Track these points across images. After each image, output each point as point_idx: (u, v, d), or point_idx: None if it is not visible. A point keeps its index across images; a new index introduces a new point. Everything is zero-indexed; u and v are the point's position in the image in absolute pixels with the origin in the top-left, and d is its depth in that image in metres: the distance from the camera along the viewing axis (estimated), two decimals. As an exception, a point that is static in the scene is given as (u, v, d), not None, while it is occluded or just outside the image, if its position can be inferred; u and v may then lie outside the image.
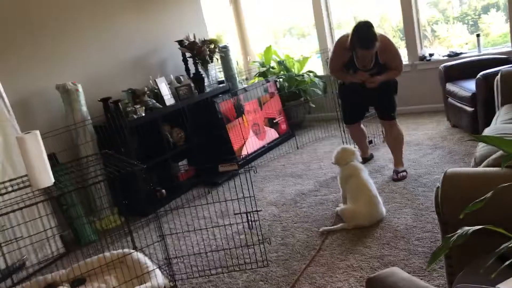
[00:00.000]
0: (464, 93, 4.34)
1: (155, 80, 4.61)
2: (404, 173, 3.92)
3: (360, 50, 3.61)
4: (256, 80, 6.16)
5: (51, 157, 3.74)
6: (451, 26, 5.84)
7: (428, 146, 4.50)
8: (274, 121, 5.62)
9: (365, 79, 3.79)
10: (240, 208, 3.33)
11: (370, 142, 4.63)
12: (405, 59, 5.80)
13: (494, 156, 2.11)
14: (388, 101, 3.97)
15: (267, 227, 3.50)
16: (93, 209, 4.09)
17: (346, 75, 3.92)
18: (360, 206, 3.21)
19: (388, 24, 6.22)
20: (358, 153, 3.49)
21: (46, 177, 2.59)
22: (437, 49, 5.80)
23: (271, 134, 5.53)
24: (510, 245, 1.04)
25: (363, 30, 3.56)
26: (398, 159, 4.02)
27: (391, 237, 2.99)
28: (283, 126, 5.73)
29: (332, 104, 4.89)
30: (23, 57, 3.92)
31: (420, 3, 5.65)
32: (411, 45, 5.66)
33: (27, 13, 3.98)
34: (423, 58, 5.62)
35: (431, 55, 5.59)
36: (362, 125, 4.33)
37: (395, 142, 4.02)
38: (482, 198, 1.27)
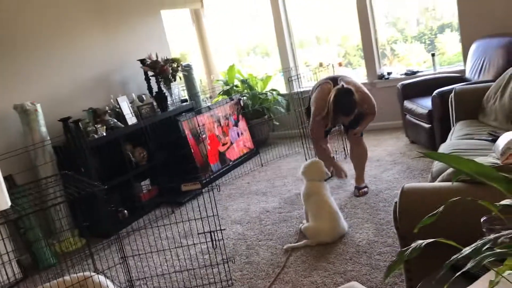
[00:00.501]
0: (421, 110, 4.49)
1: (116, 99, 4.56)
2: (366, 189, 4.01)
3: (343, 117, 3.78)
4: (220, 98, 6.18)
5: (8, 179, 3.63)
6: (410, 45, 6.06)
7: (388, 161, 4.61)
8: (239, 139, 5.64)
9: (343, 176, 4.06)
10: (204, 228, 3.30)
11: (332, 158, 4.69)
12: (364, 77, 5.97)
13: (448, 171, 2.19)
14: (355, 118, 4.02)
15: (231, 246, 3.49)
16: (53, 231, 3.98)
17: (330, 162, 4.09)
18: (322, 223, 3.25)
19: (349, 43, 6.39)
20: (326, 169, 3.53)
21: (2, 200, 2.51)
22: (396, 67, 5.99)
23: (236, 152, 5.54)
24: (459, 256, 1.08)
25: (345, 99, 3.68)
26: (360, 176, 4.11)
27: (353, 253, 3.04)
28: (248, 144, 5.76)
29: (295, 122, 4.96)
30: (-22, 76, 3.82)
31: (378, 23, 5.84)
32: (370, 64, 5.83)
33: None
34: (381, 76, 5.79)
35: (389, 73, 5.77)
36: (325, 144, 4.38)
37: (360, 159, 4.11)
38: (435, 212, 1.32)
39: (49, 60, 4.40)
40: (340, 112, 3.72)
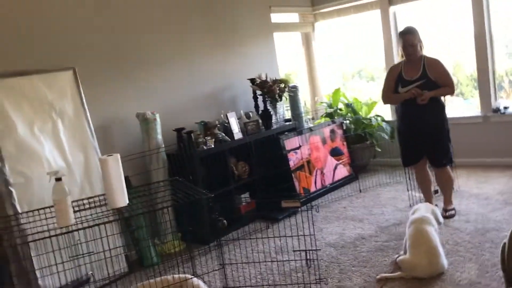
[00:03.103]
0: (540, 149, 4.19)
1: (226, 115, 4.82)
2: (453, 212, 4.13)
3: (402, 37, 4.06)
4: (323, 120, 6.24)
5: (125, 180, 3.99)
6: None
7: (498, 201, 4.34)
8: (339, 163, 5.64)
9: (415, 95, 3.96)
10: (299, 246, 3.36)
11: (436, 192, 4.53)
12: (477, 110, 5.68)
13: None
14: (440, 148, 4.10)
15: (324, 267, 3.50)
16: (159, 232, 4.27)
17: (397, 95, 4.15)
18: (419, 257, 3.13)
19: (462, 73, 6.13)
20: (438, 211, 3.48)
21: (122, 198, 2.79)
22: (514, 101, 5.63)
23: (334, 175, 5.54)
24: None
25: (405, 27, 4.15)
26: (447, 199, 4.24)
27: (452, 291, 2.91)
28: (347, 168, 5.73)
29: (398, 150, 4.87)
30: (109, 85, 4.27)
31: (498, 53, 5.55)
32: (485, 96, 5.54)
33: (116, 45, 4.35)
34: (497, 110, 5.47)
35: (506, 108, 5.43)
36: (428, 169, 4.29)
37: (446, 185, 4.25)
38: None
39: (169, 75, 4.78)
40: (400, 33, 4.10)
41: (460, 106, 6.03)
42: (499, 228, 3.72)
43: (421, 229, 3.21)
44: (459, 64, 6.14)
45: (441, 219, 3.43)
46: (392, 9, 6.08)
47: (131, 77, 4.45)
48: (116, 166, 2.75)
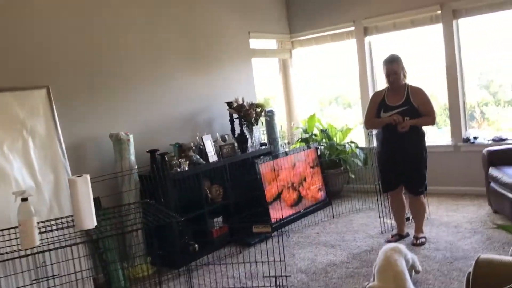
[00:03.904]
0: (507, 179, 4.28)
1: (201, 137, 4.82)
2: (423, 240, 4.18)
3: (385, 65, 4.16)
4: (298, 145, 6.29)
5: (95, 201, 3.92)
6: (502, 109, 5.84)
7: (467, 229, 4.41)
8: (312, 187, 5.66)
9: (396, 122, 4.04)
10: (269, 271, 3.34)
11: (408, 219, 4.58)
12: (448, 139, 5.81)
13: (530, 247, 2.09)
14: (418, 177, 4.17)
15: (294, 294, 3.48)
16: (128, 256, 4.19)
17: (379, 120, 4.23)
18: (386, 282, 3.14)
19: (435, 102, 6.28)
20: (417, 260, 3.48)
21: (90, 220, 2.74)
22: (485, 131, 5.77)
23: (308, 201, 5.56)
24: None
25: (389, 55, 4.23)
26: (419, 226, 4.29)
27: (420, 320, 2.92)
28: (321, 193, 5.76)
29: (372, 176, 4.92)
30: (83, 104, 4.23)
31: (469, 85, 5.71)
32: (456, 126, 5.68)
33: (92, 64, 4.33)
34: (467, 140, 5.61)
35: (475, 137, 5.57)
36: (403, 197, 4.35)
37: (417, 212, 4.31)
38: (510, 286, 1.29)
39: (145, 96, 4.77)
40: (384, 61, 4.18)
41: (434, 134, 6.16)
42: (467, 256, 3.77)
43: (389, 255, 3.24)
44: (433, 94, 6.30)
45: (419, 268, 3.44)
46: (367, 39, 6.24)
47: (106, 97, 4.42)
48: (85, 187, 2.70)
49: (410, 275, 3.28)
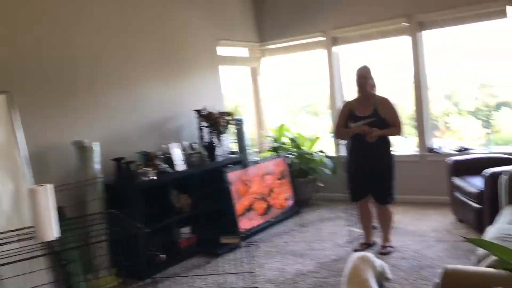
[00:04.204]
0: (471, 189, 4.38)
1: (169, 145, 4.74)
2: (390, 249, 4.24)
3: (357, 74, 4.21)
4: (268, 154, 6.28)
5: (59, 211, 3.79)
6: (465, 120, 5.99)
7: (432, 238, 4.48)
8: (281, 197, 5.65)
9: (365, 132, 4.09)
10: (238, 283, 3.29)
11: (374, 227, 4.62)
12: (414, 149, 5.92)
13: (494, 257, 2.12)
14: (386, 186, 4.24)
15: (263, 305, 3.44)
16: (92, 267, 4.07)
17: (347, 130, 4.28)
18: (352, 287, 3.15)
19: (402, 112, 6.38)
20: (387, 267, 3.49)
21: (52, 231, 2.64)
22: (448, 140, 5.91)
23: (276, 210, 5.54)
24: None
25: (361, 66, 4.29)
26: (385, 236, 4.36)
27: (388, 330, 2.93)
28: (290, 202, 5.75)
29: (340, 185, 4.95)
30: (46, 111, 4.10)
31: (434, 95, 5.84)
32: (421, 136, 5.79)
33: (56, 71, 4.20)
34: (431, 149, 5.73)
35: (440, 147, 5.69)
36: (371, 206, 4.39)
37: (385, 221, 4.37)
38: (476, 300, 1.29)
39: (111, 103, 4.67)
40: (356, 71, 4.23)
41: (401, 144, 6.25)
42: (433, 265, 3.83)
43: (357, 264, 3.25)
44: (400, 104, 6.41)
45: (389, 275, 3.45)
46: (336, 49, 6.31)
47: (70, 104, 4.30)
48: (46, 198, 2.60)
49: (381, 284, 3.30)
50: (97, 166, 4.16)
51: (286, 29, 6.58)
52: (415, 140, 5.96)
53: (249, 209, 5.17)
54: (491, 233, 3.03)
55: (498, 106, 5.77)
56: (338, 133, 4.44)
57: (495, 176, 4.00)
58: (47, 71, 4.13)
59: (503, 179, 3.77)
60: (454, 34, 5.68)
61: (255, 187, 5.34)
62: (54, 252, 3.48)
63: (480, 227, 4.17)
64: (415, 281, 3.57)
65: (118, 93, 4.75)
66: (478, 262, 2.52)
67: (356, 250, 4.28)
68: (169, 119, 5.29)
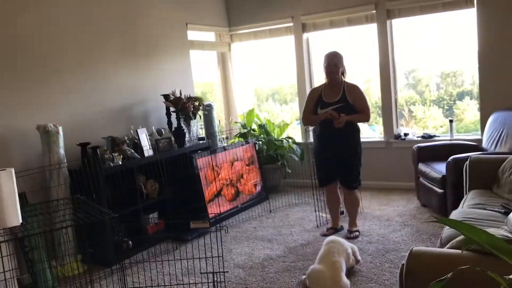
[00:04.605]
0: (435, 174, 4.50)
1: (136, 130, 4.66)
2: (357, 233, 4.33)
3: (327, 61, 4.20)
4: (236, 140, 6.26)
5: (21, 196, 3.68)
6: (428, 108, 6.13)
7: (397, 222, 4.58)
8: (250, 183, 5.66)
9: (332, 117, 4.12)
10: (207, 268, 3.29)
11: (342, 213, 4.69)
12: (381, 135, 6.03)
13: (458, 238, 2.18)
14: (353, 172, 4.29)
15: (232, 289, 3.45)
16: (56, 254, 3.98)
17: (315, 117, 4.30)
18: (323, 267, 3.23)
19: (368, 99, 6.47)
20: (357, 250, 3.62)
21: (15, 217, 2.56)
22: (413, 129, 6.05)
23: (245, 196, 5.55)
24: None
25: (331, 52, 4.28)
26: (352, 220, 4.43)
27: (355, 311, 2.99)
28: (258, 188, 5.77)
29: (308, 171, 4.99)
30: (7, 94, 3.95)
31: (399, 83, 5.95)
32: (388, 123, 5.89)
33: (17, 51, 4.05)
34: (398, 136, 5.84)
35: (406, 134, 5.81)
36: (338, 192, 4.45)
37: (352, 206, 4.43)
38: (443, 278, 1.32)
39: (76, 86, 4.53)
40: (325, 56, 4.23)
41: (365, 131, 6.36)
42: (398, 248, 3.92)
43: (330, 247, 3.34)
44: (366, 91, 6.49)
45: (359, 258, 3.60)
46: (305, 35, 6.32)
47: (34, 86, 4.16)
48: (8, 182, 2.52)
49: (352, 265, 3.48)
50: (61, 151, 4.05)
51: (255, 14, 6.54)
52: (380, 128, 6.06)
53: (217, 194, 5.16)
54: (454, 216, 3.12)
55: (460, 96, 5.92)
56: (306, 119, 4.43)
57: (458, 161, 4.12)
58: (9, 52, 3.97)
59: (466, 164, 3.88)
60: (421, 23, 5.77)
61: (224, 173, 5.32)
62: (17, 238, 3.38)
63: (443, 212, 4.30)
64: (381, 264, 3.65)
65: (84, 77, 4.61)
66: (442, 244, 2.59)
67: (323, 235, 4.35)
68: (137, 104, 5.19)
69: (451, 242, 2.22)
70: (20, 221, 2.61)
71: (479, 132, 5.31)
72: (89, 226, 2.85)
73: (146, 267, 3.87)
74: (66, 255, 3.95)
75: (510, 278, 1.29)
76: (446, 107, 6.00)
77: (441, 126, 5.97)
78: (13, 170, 2.54)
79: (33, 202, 3.76)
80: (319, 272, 3.23)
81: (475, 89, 5.52)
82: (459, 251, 1.99)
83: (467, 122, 5.94)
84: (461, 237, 2.17)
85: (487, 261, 1.75)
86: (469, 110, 5.89)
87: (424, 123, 6.15)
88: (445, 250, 2.10)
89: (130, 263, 4.03)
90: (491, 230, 2.17)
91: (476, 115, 5.55)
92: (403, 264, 2.06)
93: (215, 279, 3.30)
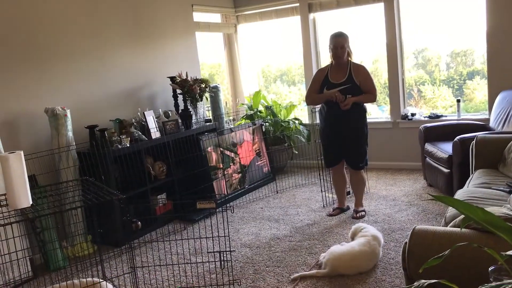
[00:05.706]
0: (441, 154, 4.49)
1: (143, 113, 4.69)
2: (363, 213, 4.34)
3: (333, 42, 4.15)
4: (243, 122, 6.28)
5: (31, 179, 3.75)
6: (437, 88, 6.08)
7: (403, 202, 4.60)
8: (257, 164, 5.70)
9: (337, 98, 4.10)
10: (214, 247, 3.34)
11: (348, 193, 4.72)
12: (388, 115, 6.01)
13: (460, 217, 2.21)
14: (359, 152, 4.29)
15: (239, 268, 3.51)
16: (67, 234, 4.06)
17: (319, 95, 4.30)
18: (350, 255, 3.27)
19: (376, 80, 6.45)
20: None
21: (25, 198, 2.61)
22: (422, 109, 6.02)
23: (254, 175, 5.59)
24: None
25: (338, 31, 4.24)
26: (358, 200, 4.45)
27: (359, 289, 3.03)
28: (265, 169, 5.81)
29: (314, 152, 5.01)
30: (16, 77, 3.99)
31: (408, 64, 5.90)
32: (395, 103, 5.87)
33: (26, 35, 4.07)
34: (405, 117, 5.82)
35: (413, 114, 5.79)
36: (344, 172, 4.47)
37: (358, 186, 4.44)
38: (441, 254, 1.35)
39: (84, 69, 4.56)
40: (331, 36, 4.18)
41: (373, 112, 6.35)
42: (404, 228, 3.95)
43: (374, 244, 3.34)
44: (374, 72, 6.46)
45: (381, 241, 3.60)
46: (311, 15, 6.27)
47: (42, 70, 4.19)
48: (18, 164, 2.56)
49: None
50: (70, 133, 4.09)
51: (261, -5, 6.50)
52: (388, 108, 6.04)
53: (225, 175, 5.20)
54: (459, 195, 3.13)
55: (470, 75, 5.86)
56: (310, 98, 4.42)
57: (464, 141, 4.11)
58: (18, 36, 4.00)
59: (473, 144, 3.88)
60: (430, 2, 5.69)
61: (231, 154, 5.35)
62: (28, 219, 3.45)
63: (449, 191, 4.31)
64: (386, 243, 3.68)
65: (91, 60, 4.63)
66: (446, 223, 2.61)
67: (330, 215, 4.39)
68: (144, 86, 5.22)
69: (454, 221, 2.25)
70: (30, 202, 2.66)
71: (487, 112, 5.27)
72: (98, 207, 2.91)
73: (154, 247, 3.94)
74: (76, 235, 4.04)
75: (507, 254, 1.32)
76: (456, 87, 5.95)
77: (451, 106, 5.93)
78: (22, 152, 2.58)
79: (43, 184, 3.83)
80: (341, 254, 3.27)
81: (486, 68, 5.47)
82: (459, 229, 2.02)
83: (477, 102, 5.89)
84: (463, 216, 2.19)
85: (486, 238, 1.78)
86: (479, 90, 5.84)
87: (433, 103, 6.11)
88: (446, 228, 2.12)
89: (139, 243, 4.10)
90: (493, 209, 2.19)
91: (486, 95, 5.51)
92: (405, 243, 2.09)
93: (222, 258, 3.36)
